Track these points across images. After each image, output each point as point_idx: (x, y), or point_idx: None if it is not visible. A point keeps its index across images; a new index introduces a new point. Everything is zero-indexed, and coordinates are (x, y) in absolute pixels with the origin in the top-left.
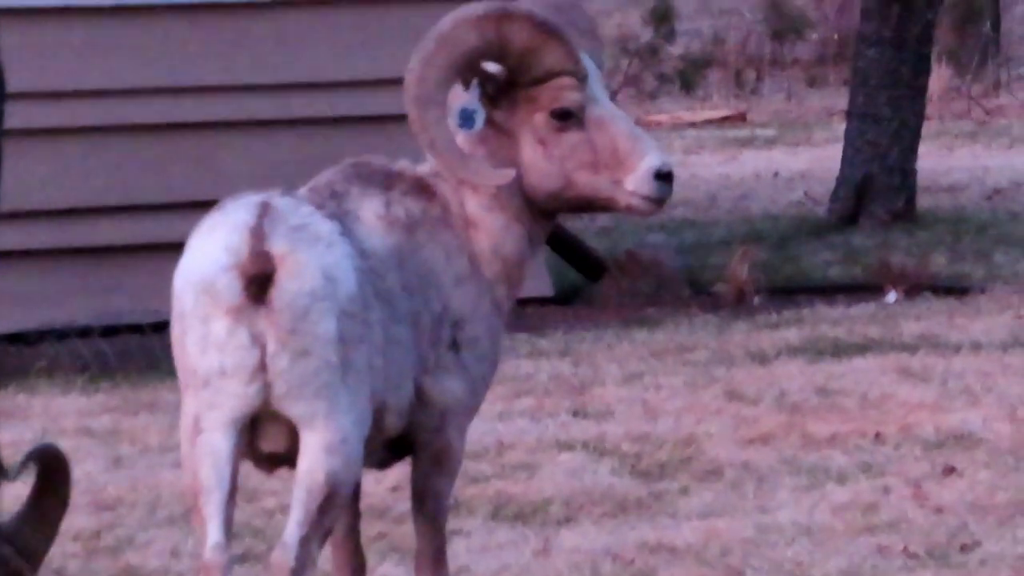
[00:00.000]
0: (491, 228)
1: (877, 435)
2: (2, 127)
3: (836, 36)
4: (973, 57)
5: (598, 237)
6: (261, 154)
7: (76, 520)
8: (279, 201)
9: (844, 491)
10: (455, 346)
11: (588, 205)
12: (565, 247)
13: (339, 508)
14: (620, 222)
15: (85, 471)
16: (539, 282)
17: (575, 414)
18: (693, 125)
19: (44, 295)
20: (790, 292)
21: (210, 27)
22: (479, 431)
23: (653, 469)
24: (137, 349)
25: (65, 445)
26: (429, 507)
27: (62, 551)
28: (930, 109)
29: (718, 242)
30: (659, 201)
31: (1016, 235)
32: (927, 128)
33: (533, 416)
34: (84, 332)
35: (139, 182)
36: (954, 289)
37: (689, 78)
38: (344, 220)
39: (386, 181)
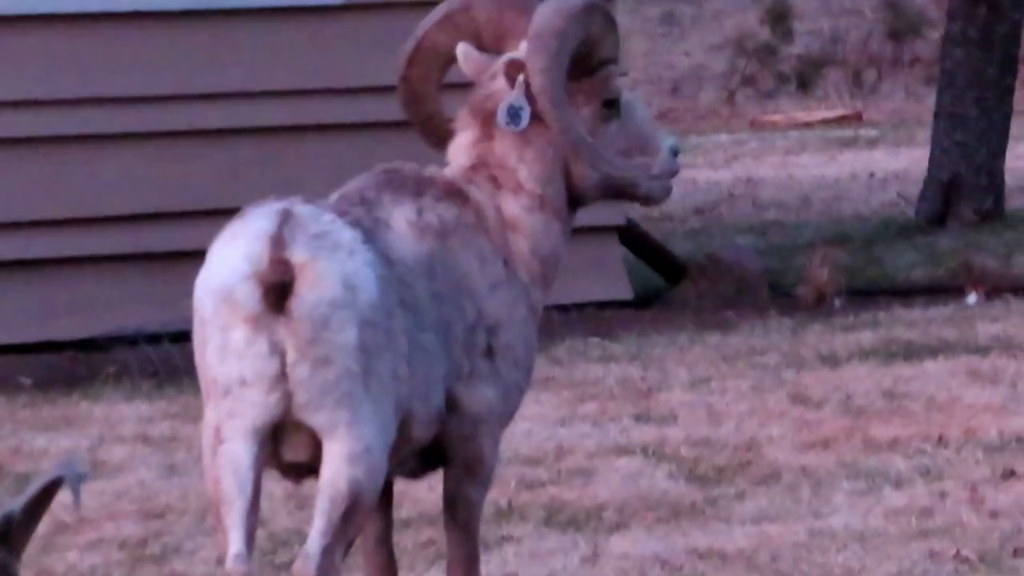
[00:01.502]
0: (531, 229)
1: (939, 438)
2: None
3: None
4: None
5: (685, 239)
6: (325, 158)
7: (124, 528)
8: (301, 208)
9: (900, 495)
10: (490, 353)
11: (615, 195)
12: (645, 250)
13: (363, 517)
14: (708, 224)
15: (138, 478)
16: (617, 285)
17: (638, 419)
18: (809, 125)
19: (114, 301)
20: (871, 294)
21: (274, 31)
22: (539, 436)
23: (710, 474)
24: None
25: (121, 452)
26: (461, 515)
27: (106, 559)
28: None
29: (804, 244)
30: (670, 182)
31: None
32: None
33: (595, 421)
34: (154, 338)
35: (209, 187)
36: None
37: (807, 78)
38: (374, 228)
39: (418, 187)
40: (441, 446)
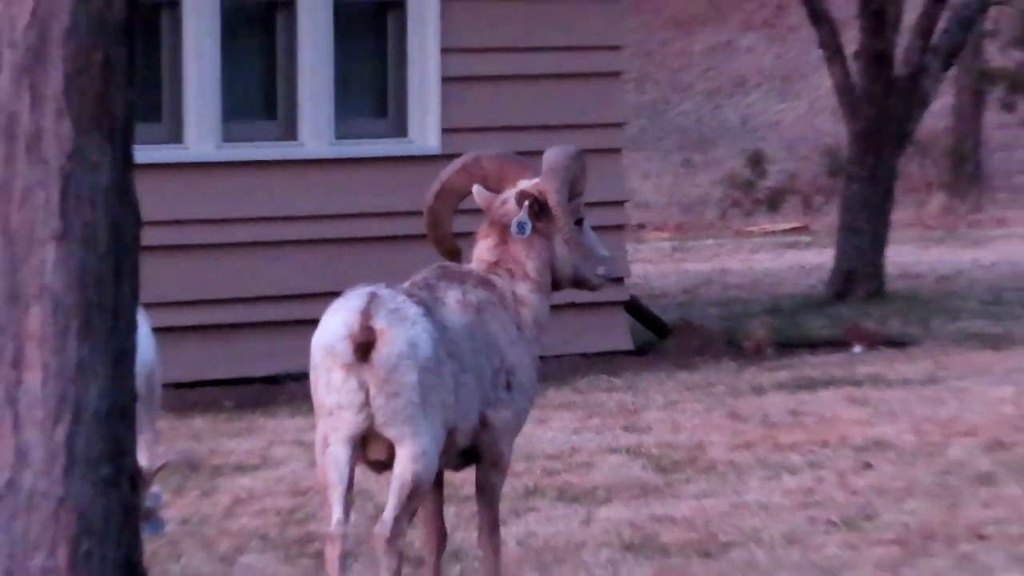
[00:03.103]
0: (534, 304)
1: (824, 442)
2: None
3: None
4: (963, 187)
5: (675, 309)
6: (419, 258)
7: (279, 501)
8: (383, 292)
9: (793, 480)
10: (508, 387)
11: (575, 284)
12: (643, 316)
13: (421, 497)
14: (691, 299)
15: (292, 469)
16: (623, 340)
17: (625, 429)
18: (773, 233)
19: (287, 350)
20: (792, 346)
21: (388, 172)
22: (559, 441)
23: (669, 466)
24: None
25: (282, 452)
26: (487, 495)
27: (266, 522)
28: (929, 220)
29: (752, 313)
30: (609, 276)
31: (948, 307)
32: (913, 233)
33: (597, 431)
34: None
35: (345, 274)
36: (899, 343)
37: (775, 202)
38: (434, 305)
39: (462, 278)
40: (475, 449)
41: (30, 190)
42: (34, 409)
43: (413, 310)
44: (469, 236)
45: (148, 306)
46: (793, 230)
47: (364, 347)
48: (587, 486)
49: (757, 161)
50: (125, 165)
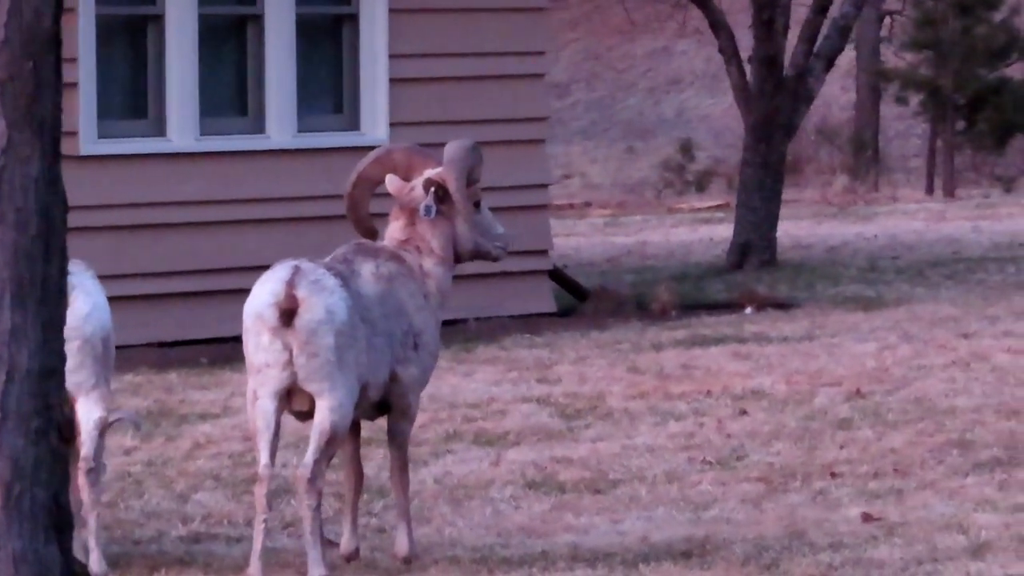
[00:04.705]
0: (438, 276)
1: (708, 392)
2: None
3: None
4: (863, 169)
5: (598, 276)
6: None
7: (232, 445)
8: (305, 264)
9: (678, 425)
10: (416, 347)
11: (476, 256)
12: (565, 282)
13: (338, 443)
14: (613, 268)
15: (245, 417)
16: (546, 303)
17: (538, 381)
18: (699, 210)
19: None
20: (693, 308)
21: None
22: (479, 392)
23: (572, 413)
24: None
25: (239, 402)
26: (398, 440)
27: (219, 463)
28: (833, 198)
29: (661, 278)
30: (504, 251)
31: (831, 274)
32: (809, 209)
33: (514, 383)
34: None
35: (303, 247)
36: (783, 305)
37: (702, 183)
38: (350, 276)
39: (375, 253)
40: (386, 401)
41: None
42: None
43: (331, 281)
44: (384, 217)
45: (135, 276)
46: (718, 207)
47: (288, 313)
48: (499, 431)
49: (687, 148)
50: (54, 158)
